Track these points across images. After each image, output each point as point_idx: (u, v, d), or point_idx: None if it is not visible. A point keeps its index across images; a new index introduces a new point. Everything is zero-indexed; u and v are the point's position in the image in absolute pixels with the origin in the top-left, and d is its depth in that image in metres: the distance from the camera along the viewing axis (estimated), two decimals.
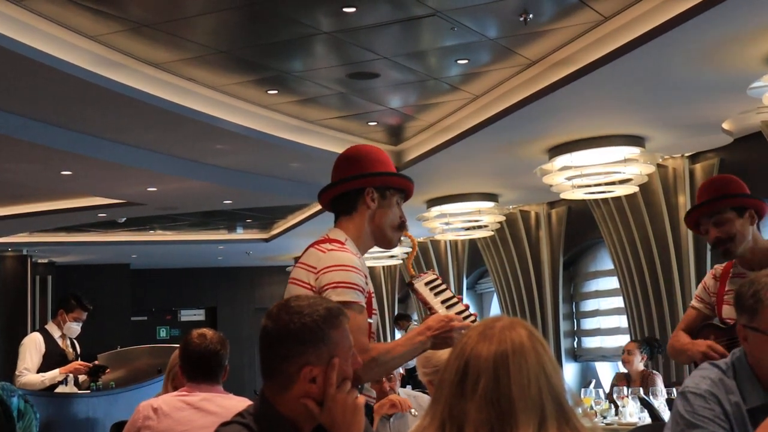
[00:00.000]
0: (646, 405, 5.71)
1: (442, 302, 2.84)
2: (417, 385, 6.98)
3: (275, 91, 6.39)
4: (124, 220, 11.22)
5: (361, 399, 1.95)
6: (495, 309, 12.27)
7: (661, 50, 5.07)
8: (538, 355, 1.56)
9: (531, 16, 4.96)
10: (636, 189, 7.82)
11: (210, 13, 4.98)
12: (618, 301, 9.45)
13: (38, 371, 6.49)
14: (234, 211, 10.77)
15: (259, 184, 8.69)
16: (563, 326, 10.48)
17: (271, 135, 6.95)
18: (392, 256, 12.39)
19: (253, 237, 13.58)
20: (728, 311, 3.34)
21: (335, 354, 1.91)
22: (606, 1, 4.89)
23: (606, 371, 10.18)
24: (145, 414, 3.17)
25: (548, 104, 6.03)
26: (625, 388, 6.09)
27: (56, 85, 5.48)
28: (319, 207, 10.08)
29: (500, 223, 10.24)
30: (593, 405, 5.95)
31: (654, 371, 6.73)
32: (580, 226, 9.98)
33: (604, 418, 5.90)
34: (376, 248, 2.89)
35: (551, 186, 7.72)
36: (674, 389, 5.83)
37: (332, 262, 2.61)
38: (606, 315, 10.12)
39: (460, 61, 5.85)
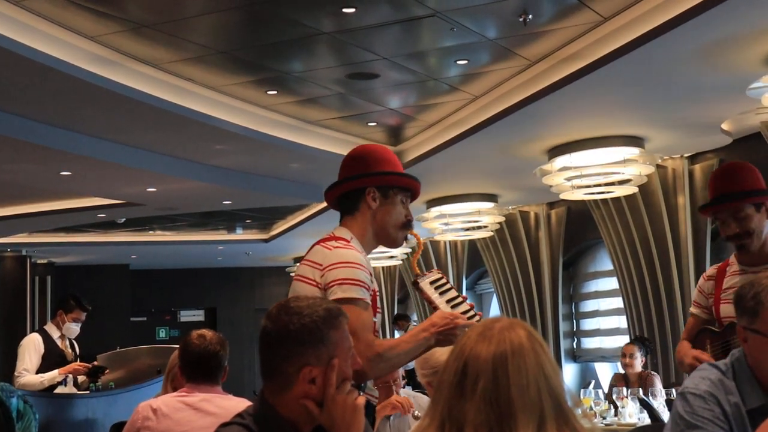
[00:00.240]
0: (646, 406, 5.71)
1: (447, 301, 2.82)
2: (416, 386, 6.97)
3: (275, 92, 6.39)
4: (123, 220, 11.21)
5: (361, 399, 1.95)
6: (494, 309, 12.25)
7: (661, 51, 5.06)
8: (538, 355, 1.56)
9: (530, 16, 4.95)
10: (635, 189, 7.81)
11: (210, 13, 4.98)
12: (617, 302, 9.44)
13: (37, 372, 6.48)
14: (234, 211, 10.75)
15: (258, 185, 8.68)
16: (563, 327, 10.47)
17: (270, 135, 6.95)
18: (392, 257, 12.38)
19: (252, 237, 13.56)
20: (726, 309, 3.33)
21: (335, 355, 1.91)
22: (605, 2, 4.88)
23: (605, 372, 10.17)
24: (144, 414, 3.17)
25: (548, 105, 6.03)
26: (624, 389, 6.09)
27: (56, 85, 5.48)
28: (318, 207, 10.08)
29: (500, 223, 10.24)
30: (592, 406, 5.95)
31: (653, 372, 6.73)
32: (580, 227, 9.97)
33: (604, 418, 5.90)
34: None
35: (551, 186, 7.72)
36: (673, 390, 5.83)
37: (338, 259, 2.62)
38: (605, 316, 10.11)
39: (459, 62, 5.85)
